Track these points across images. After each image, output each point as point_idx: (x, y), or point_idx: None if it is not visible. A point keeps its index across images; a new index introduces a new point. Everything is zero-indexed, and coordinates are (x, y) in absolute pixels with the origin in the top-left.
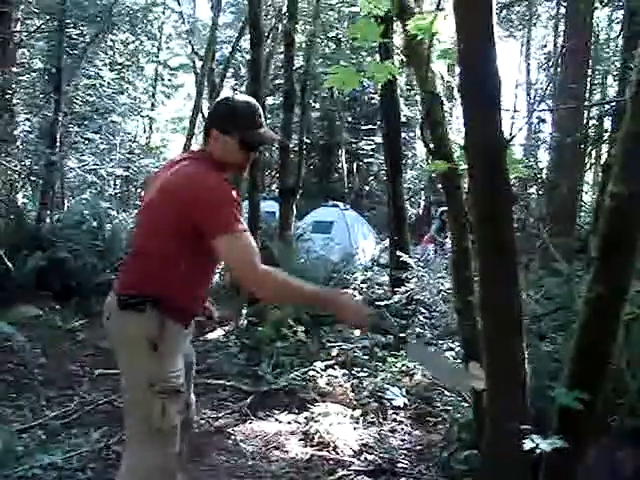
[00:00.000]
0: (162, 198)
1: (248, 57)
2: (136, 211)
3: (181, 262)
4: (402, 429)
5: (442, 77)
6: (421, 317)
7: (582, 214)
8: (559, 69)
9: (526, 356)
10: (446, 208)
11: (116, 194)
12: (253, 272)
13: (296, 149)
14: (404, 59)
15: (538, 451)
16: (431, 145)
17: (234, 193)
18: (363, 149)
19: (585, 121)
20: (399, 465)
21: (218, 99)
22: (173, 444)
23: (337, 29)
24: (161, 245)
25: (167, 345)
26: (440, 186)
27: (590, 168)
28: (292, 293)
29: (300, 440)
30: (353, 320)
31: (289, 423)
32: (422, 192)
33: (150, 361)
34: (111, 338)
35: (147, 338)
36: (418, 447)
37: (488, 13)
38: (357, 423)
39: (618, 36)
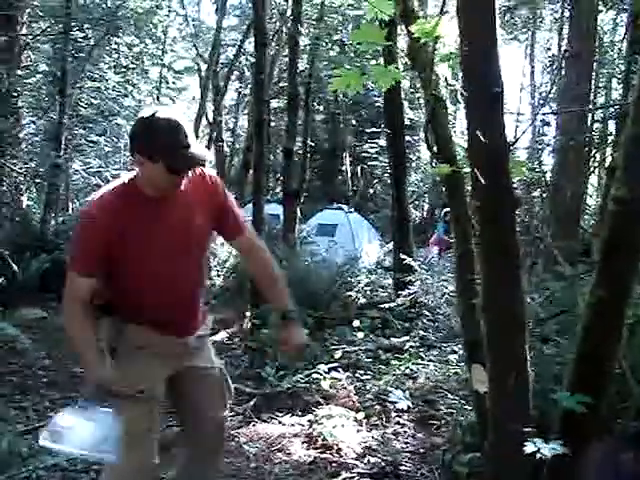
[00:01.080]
0: None
1: (252, 60)
2: None
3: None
4: (405, 432)
5: (446, 80)
6: (425, 320)
7: (586, 217)
8: (563, 72)
9: (529, 359)
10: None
11: None
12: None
13: (300, 152)
14: (408, 62)
15: (541, 455)
16: (435, 148)
17: (95, 226)
18: (367, 152)
19: (589, 124)
20: (402, 468)
21: (138, 119)
22: (133, 450)
23: (341, 32)
24: None
25: (124, 351)
26: (443, 189)
27: (594, 171)
28: (74, 338)
29: (303, 442)
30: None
31: (292, 425)
32: (426, 195)
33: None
34: None
35: (107, 341)
36: (421, 450)
37: (491, 16)
38: (360, 426)
39: (622, 39)
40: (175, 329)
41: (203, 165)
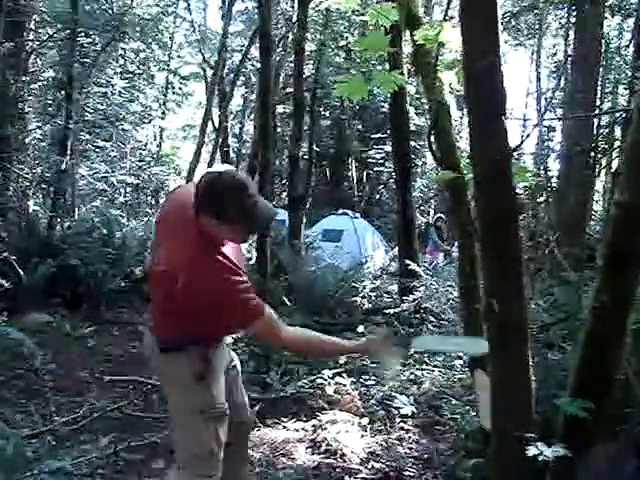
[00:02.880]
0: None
1: (258, 66)
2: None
3: None
4: (409, 437)
5: (450, 86)
6: (430, 325)
7: (592, 223)
8: (568, 78)
9: (533, 364)
10: (441, 215)
11: (126, 202)
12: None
13: (306, 158)
14: (412, 68)
15: (543, 459)
16: (438, 154)
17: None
18: (373, 158)
19: (595, 130)
20: (406, 473)
21: (204, 179)
22: (220, 466)
23: (347, 38)
24: None
25: (211, 372)
26: (447, 195)
27: (599, 176)
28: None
29: (308, 448)
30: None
31: (297, 431)
32: (432, 201)
33: (199, 391)
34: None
35: (193, 372)
36: (425, 455)
37: (493, 23)
38: (365, 431)
39: (628, 45)
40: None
41: (272, 221)
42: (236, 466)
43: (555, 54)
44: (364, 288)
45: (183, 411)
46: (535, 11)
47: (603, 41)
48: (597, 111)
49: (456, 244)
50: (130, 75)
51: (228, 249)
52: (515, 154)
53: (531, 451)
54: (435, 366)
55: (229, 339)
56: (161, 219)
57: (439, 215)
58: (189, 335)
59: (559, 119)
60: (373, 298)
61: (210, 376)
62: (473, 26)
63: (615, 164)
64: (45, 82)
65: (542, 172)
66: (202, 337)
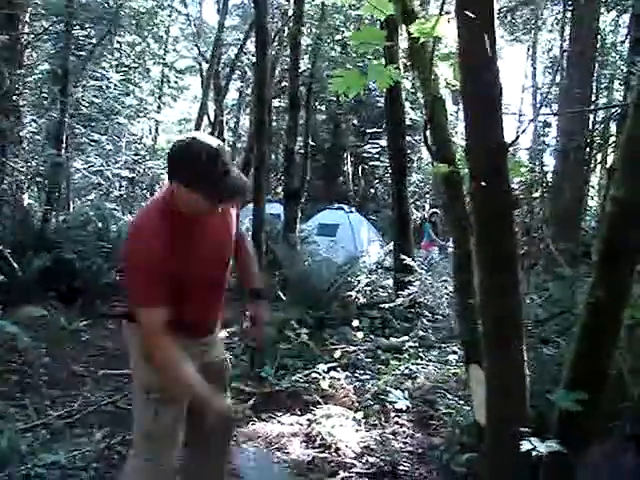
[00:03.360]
0: None
1: (254, 60)
2: None
3: None
4: (404, 432)
5: (446, 80)
6: (424, 320)
7: (587, 218)
8: (564, 73)
9: (527, 359)
10: (436, 210)
11: (122, 195)
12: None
13: (301, 152)
14: (408, 63)
15: (538, 454)
16: (434, 149)
17: (156, 255)
18: (368, 152)
19: (591, 125)
20: (400, 468)
21: (175, 144)
22: (165, 450)
23: (343, 32)
24: None
25: None
26: (442, 189)
27: (594, 171)
28: (178, 377)
29: (302, 442)
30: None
31: (292, 425)
32: (427, 195)
33: (147, 370)
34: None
35: (143, 350)
36: (420, 450)
37: (489, 17)
38: (359, 425)
39: (624, 40)
40: (204, 330)
41: (243, 195)
42: (214, 459)
43: (551, 49)
44: (359, 283)
45: (134, 388)
46: (531, 6)
47: (599, 36)
48: (593, 106)
49: (451, 239)
50: (125, 68)
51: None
52: (511, 149)
53: (525, 446)
54: (430, 360)
55: (221, 333)
56: None
57: (434, 210)
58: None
59: (555, 114)
60: (368, 293)
61: None
62: (469, 20)
63: (610, 159)
64: (40, 75)
65: (537, 167)
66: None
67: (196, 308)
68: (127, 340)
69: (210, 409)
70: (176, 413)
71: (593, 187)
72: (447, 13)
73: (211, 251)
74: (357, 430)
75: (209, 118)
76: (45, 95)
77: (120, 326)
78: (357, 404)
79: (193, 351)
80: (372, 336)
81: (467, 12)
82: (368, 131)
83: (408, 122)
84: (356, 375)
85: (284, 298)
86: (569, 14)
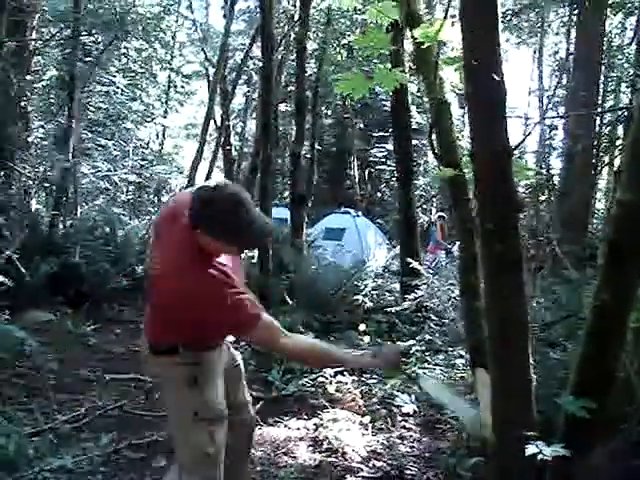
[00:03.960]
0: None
1: (260, 64)
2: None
3: None
4: (411, 436)
5: (451, 84)
6: (431, 324)
7: (595, 221)
8: (570, 76)
9: (534, 363)
10: (443, 213)
11: (129, 200)
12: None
13: (308, 156)
14: (414, 66)
15: (543, 458)
16: (439, 152)
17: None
18: (375, 156)
19: (598, 128)
20: (407, 472)
21: (197, 195)
22: (219, 467)
23: (349, 36)
24: None
25: (205, 376)
26: (448, 193)
27: (601, 174)
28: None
29: (309, 446)
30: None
31: (298, 429)
32: (434, 199)
33: (191, 395)
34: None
35: (186, 377)
36: (426, 454)
37: (494, 21)
38: (366, 430)
39: (630, 43)
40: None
41: (269, 239)
42: (237, 466)
43: (557, 52)
44: (366, 287)
45: (177, 414)
46: (536, 9)
47: (605, 39)
48: (599, 109)
49: (457, 242)
50: (132, 74)
51: (223, 258)
52: (517, 152)
53: (530, 450)
54: (437, 364)
55: (231, 338)
56: (159, 222)
57: (441, 214)
58: (180, 340)
59: (561, 117)
60: (375, 297)
61: (204, 379)
62: (473, 24)
63: (617, 162)
64: (48, 81)
65: (544, 170)
66: (194, 342)
67: None
68: (162, 371)
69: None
70: (224, 429)
71: (600, 190)
72: (452, 17)
73: (235, 270)
74: (364, 434)
75: (216, 123)
76: (53, 101)
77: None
78: (364, 408)
79: (223, 361)
80: (379, 340)
81: (471, 16)
82: (374, 135)
83: (414, 126)
84: (363, 379)
85: (291, 302)
86: (575, 17)
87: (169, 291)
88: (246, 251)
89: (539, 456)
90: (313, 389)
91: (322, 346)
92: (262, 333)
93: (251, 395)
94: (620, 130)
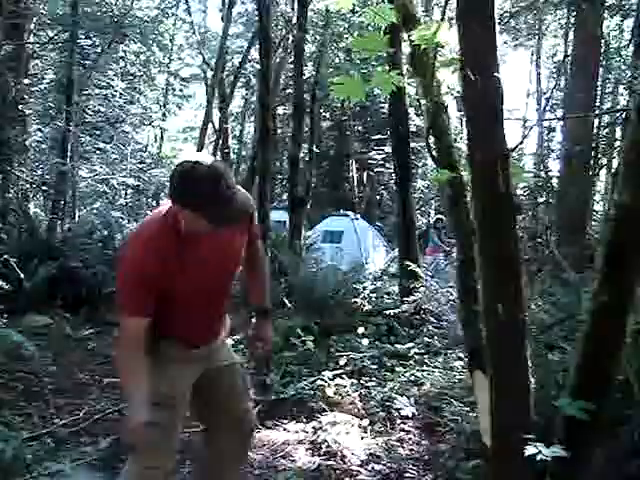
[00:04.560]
0: None
1: (258, 67)
2: None
3: None
4: (410, 439)
5: (449, 86)
6: (430, 327)
7: (593, 223)
8: (568, 78)
9: (533, 365)
10: (440, 216)
11: (127, 204)
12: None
13: (306, 159)
14: (410, 69)
15: (542, 460)
16: (436, 154)
17: (149, 264)
18: (373, 159)
19: (596, 130)
20: (406, 475)
21: (177, 168)
22: (159, 456)
23: (347, 39)
24: None
25: (157, 359)
26: (445, 195)
27: (598, 176)
28: (126, 378)
29: (308, 449)
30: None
31: (297, 432)
32: (432, 202)
33: None
34: None
35: None
36: (426, 457)
37: (491, 23)
38: (365, 432)
39: (628, 45)
40: (205, 339)
41: (246, 216)
42: (229, 467)
43: (555, 54)
44: (364, 289)
45: None
46: (534, 11)
47: (603, 41)
48: (597, 111)
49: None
50: (130, 77)
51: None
52: (515, 154)
53: (529, 450)
54: (435, 367)
55: (228, 340)
56: None
57: (439, 216)
58: None
59: (559, 119)
60: (373, 299)
61: (157, 362)
62: (470, 26)
63: (615, 164)
64: (45, 84)
65: (542, 172)
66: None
67: (192, 322)
68: None
69: (126, 422)
70: (168, 417)
71: (598, 192)
72: (450, 19)
73: (212, 267)
74: (363, 437)
75: (214, 126)
76: (50, 104)
77: None
78: (363, 411)
79: (194, 357)
80: (377, 343)
81: (468, 18)
82: (373, 138)
83: (412, 128)
84: (362, 382)
85: (289, 305)
86: (573, 19)
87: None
88: (220, 228)
89: (538, 457)
90: (312, 392)
91: (135, 376)
92: (120, 325)
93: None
94: (618, 132)
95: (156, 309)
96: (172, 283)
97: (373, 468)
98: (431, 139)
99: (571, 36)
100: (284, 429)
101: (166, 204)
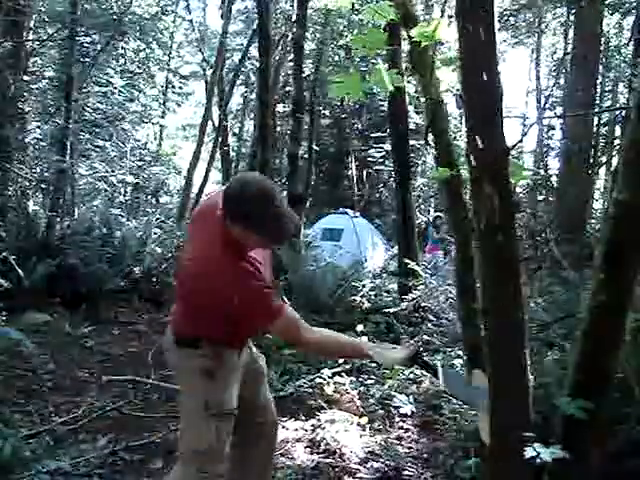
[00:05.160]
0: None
1: (258, 65)
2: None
3: None
4: (409, 437)
5: (448, 84)
6: (429, 324)
7: (593, 221)
8: (568, 76)
9: (531, 364)
10: (439, 214)
11: (126, 201)
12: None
13: (305, 156)
14: (410, 66)
15: (541, 459)
16: (435, 152)
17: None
18: (373, 156)
19: (595, 128)
20: (405, 473)
21: (231, 186)
22: (217, 464)
23: (346, 37)
24: None
25: (223, 373)
26: (444, 193)
27: (598, 174)
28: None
29: (307, 447)
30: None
31: (296, 430)
32: (432, 199)
33: (205, 387)
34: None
35: (202, 368)
36: (424, 455)
37: (490, 21)
38: (364, 430)
39: (628, 43)
40: (246, 341)
41: (296, 236)
42: (262, 465)
43: (555, 52)
44: (364, 287)
45: (188, 405)
46: (534, 9)
47: (603, 39)
48: (597, 109)
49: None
50: (130, 74)
51: (255, 253)
52: (514, 152)
53: (528, 453)
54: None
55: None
56: (194, 219)
57: (437, 214)
58: (206, 333)
59: (559, 117)
60: (373, 297)
61: (221, 375)
62: (470, 23)
63: (615, 162)
64: (45, 82)
65: (542, 170)
66: (219, 336)
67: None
68: (181, 362)
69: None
70: (231, 427)
71: (598, 190)
72: (449, 17)
73: (265, 269)
74: (361, 435)
75: (213, 123)
76: (50, 101)
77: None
78: (362, 409)
79: (242, 362)
80: (376, 341)
81: (467, 15)
82: (372, 135)
83: (412, 126)
84: (360, 380)
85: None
86: (572, 17)
87: (197, 276)
88: (274, 246)
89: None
90: (311, 390)
91: (338, 341)
92: (284, 325)
93: None
94: (617, 130)
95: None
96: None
97: (372, 466)
98: (430, 137)
99: (571, 34)
100: (283, 427)
101: (211, 228)
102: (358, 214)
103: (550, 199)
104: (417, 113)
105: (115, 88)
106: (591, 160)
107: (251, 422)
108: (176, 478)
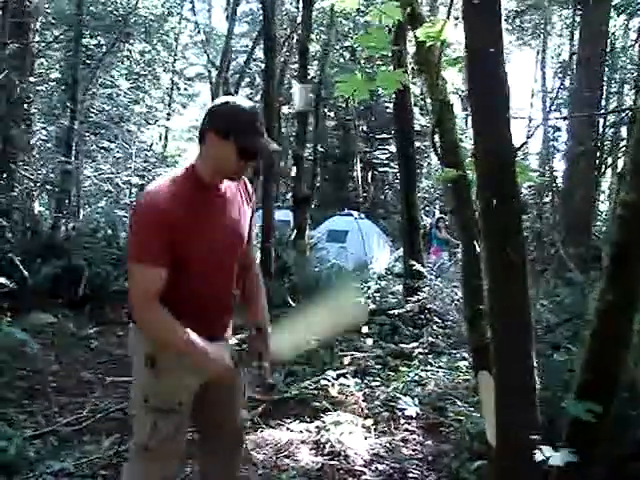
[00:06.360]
0: None
1: (263, 66)
2: None
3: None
4: (414, 439)
5: (454, 85)
6: (434, 326)
7: (598, 223)
8: (574, 77)
9: (537, 365)
10: (442, 215)
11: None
12: (139, 307)
13: (311, 158)
14: (415, 67)
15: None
16: (441, 153)
17: (163, 215)
18: (378, 158)
19: (601, 129)
20: (410, 475)
21: (217, 101)
22: (161, 464)
23: (352, 38)
24: None
25: (165, 362)
26: (450, 194)
27: (604, 176)
28: (171, 339)
29: (311, 449)
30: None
31: (300, 432)
32: (437, 201)
33: (147, 377)
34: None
35: (146, 354)
36: (429, 457)
37: (496, 21)
38: (369, 432)
39: (633, 45)
40: (214, 329)
41: (271, 157)
42: (228, 470)
43: (560, 54)
44: (368, 289)
45: (132, 395)
46: (540, 10)
47: (608, 40)
48: (602, 111)
49: (460, 244)
50: (135, 76)
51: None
52: (520, 153)
53: (538, 456)
54: (440, 367)
55: (232, 340)
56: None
57: (441, 215)
58: None
59: (564, 118)
60: (377, 299)
61: (164, 364)
62: (476, 24)
63: (621, 163)
64: (50, 83)
65: (547, 172)
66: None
67: (202, 305)
68: (131, 347)
69: (213, 369)
70: (177, 423)
71: (604, 191)
72: (455, 18)
73: (222, 234)
74: (366, 437)
75: None
76: (55, 103)
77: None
78: (366, 411)
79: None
80: (382, 342)
81: (473, 16)
82: (377, 137)
83: (417, 128)
84: (365, 382)
85: (293, 304)
86: (578, 18)
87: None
88: (248, 165)
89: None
90: (315, 392)
91: (177, 332)
92: (137, 278)
93: (253, 398)
94: (624, 131)
95: (167, 285)
96: (186, 245)
97: (377, 468)
98: (436, 138)
99: (577, 35)
100: (287, 429)
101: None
102: (363, 215)
103: (556, 201)
104: (422, 114)
105: (120, 90)
106: (597, 161)
107: (222, 425)
108: (124, 472)
